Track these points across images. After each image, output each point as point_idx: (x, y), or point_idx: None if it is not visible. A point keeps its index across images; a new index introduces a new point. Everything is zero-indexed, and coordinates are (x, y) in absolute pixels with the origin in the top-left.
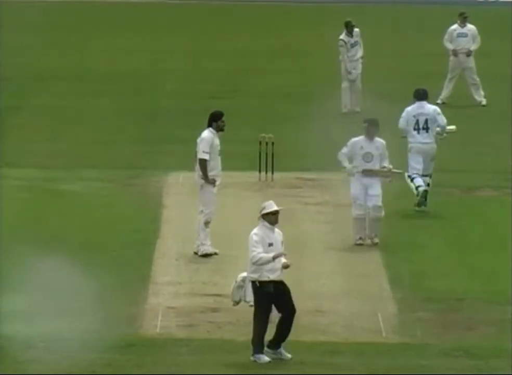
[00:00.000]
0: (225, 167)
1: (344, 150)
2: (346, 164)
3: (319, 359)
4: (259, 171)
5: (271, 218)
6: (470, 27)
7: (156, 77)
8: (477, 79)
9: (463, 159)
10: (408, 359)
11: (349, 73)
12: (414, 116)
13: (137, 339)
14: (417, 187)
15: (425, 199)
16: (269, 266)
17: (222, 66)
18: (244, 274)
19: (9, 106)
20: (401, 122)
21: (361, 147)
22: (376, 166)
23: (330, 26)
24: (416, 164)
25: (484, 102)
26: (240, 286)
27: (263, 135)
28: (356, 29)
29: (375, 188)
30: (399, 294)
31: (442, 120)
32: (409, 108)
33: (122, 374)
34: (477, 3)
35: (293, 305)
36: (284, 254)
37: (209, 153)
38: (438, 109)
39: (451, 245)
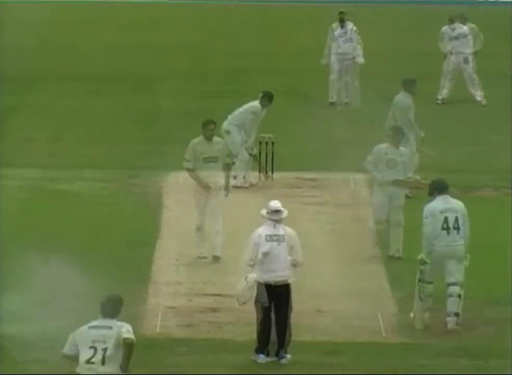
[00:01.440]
0: None
1: (370, 158)
2: (375, 173)
3: (319, 359)
4: (259, 171)
5: (271, 216)
6: (470, 27)
7: (156, 77)
8: (477, 79)
9: (463, 159)
10: (408, 359)
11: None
12: (393, 105)
13: (137, 339)
14: None
15: None
16: (268, 267)
17: (222, 66)
18: (254, 275)
19: (9, 106)
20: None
21: (385, 153)
22: (400, 174)
23: (329, 26)
24: None
25: (484, 102)
26: (252, 287)
27: (263, 135)
28: (350, 26)
29: (400, 199)
30: (399, 294)
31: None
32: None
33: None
34: (477, 3)
35: (286, 310)
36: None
37: (191, 161)
38: (406, 104)
39: None
